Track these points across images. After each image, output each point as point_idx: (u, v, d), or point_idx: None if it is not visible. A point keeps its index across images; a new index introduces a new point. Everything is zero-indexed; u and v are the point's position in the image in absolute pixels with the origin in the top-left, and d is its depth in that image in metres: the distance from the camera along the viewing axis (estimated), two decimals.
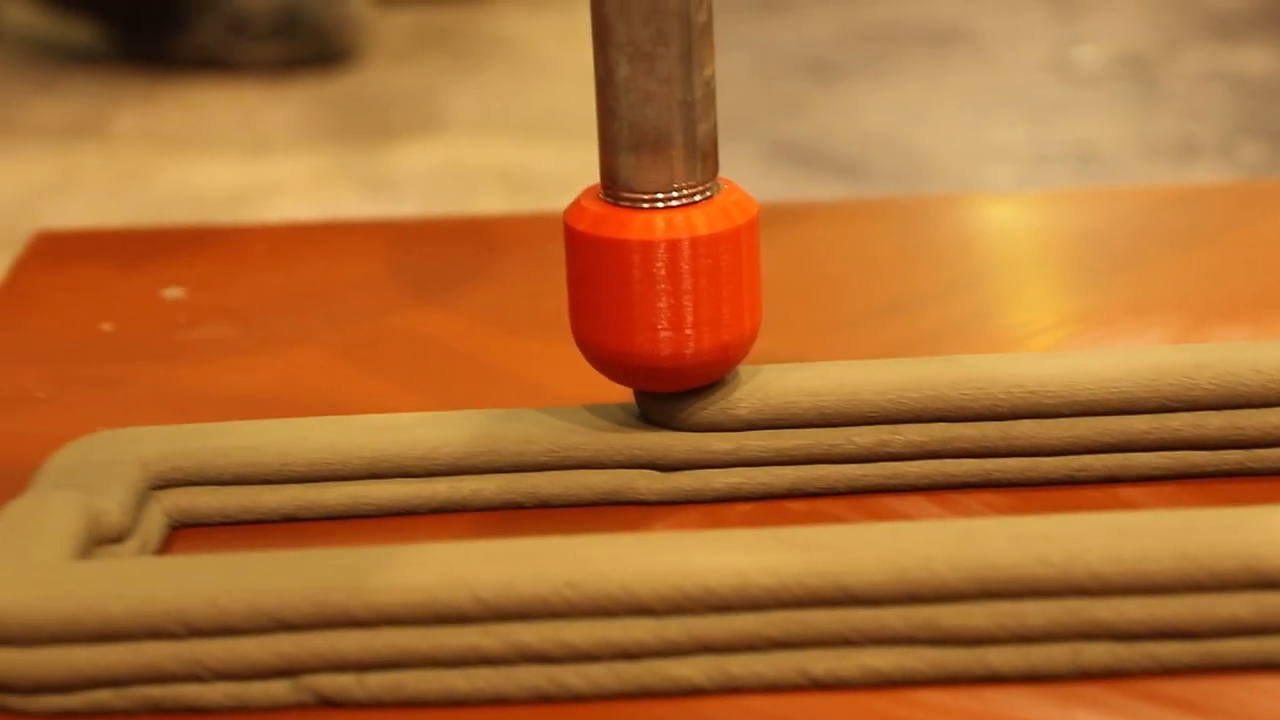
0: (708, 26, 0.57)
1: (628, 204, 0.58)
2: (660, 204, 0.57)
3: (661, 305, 0.57)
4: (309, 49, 2.11)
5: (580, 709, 0.51)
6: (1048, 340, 0.71)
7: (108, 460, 0.59)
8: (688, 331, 0.58)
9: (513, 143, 1.90)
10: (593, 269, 0.58)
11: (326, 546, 0.54)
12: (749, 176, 1.75)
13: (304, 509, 0.60)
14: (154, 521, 0.59)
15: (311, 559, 0.52)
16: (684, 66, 0.56)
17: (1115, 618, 0.50)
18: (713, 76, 0.57)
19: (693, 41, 0.56)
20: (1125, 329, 0.71)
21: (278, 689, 0.51)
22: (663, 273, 0.57)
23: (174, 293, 0.78)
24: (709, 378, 0.59)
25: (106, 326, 0.76)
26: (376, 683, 0.51)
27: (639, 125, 0.57)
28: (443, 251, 0.83)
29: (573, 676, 0.51)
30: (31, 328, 0.76)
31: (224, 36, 2.09)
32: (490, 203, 1.73)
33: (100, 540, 0.56)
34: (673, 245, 0.57)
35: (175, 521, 0.60)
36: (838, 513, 0.59)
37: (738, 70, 2.05)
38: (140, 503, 0.58)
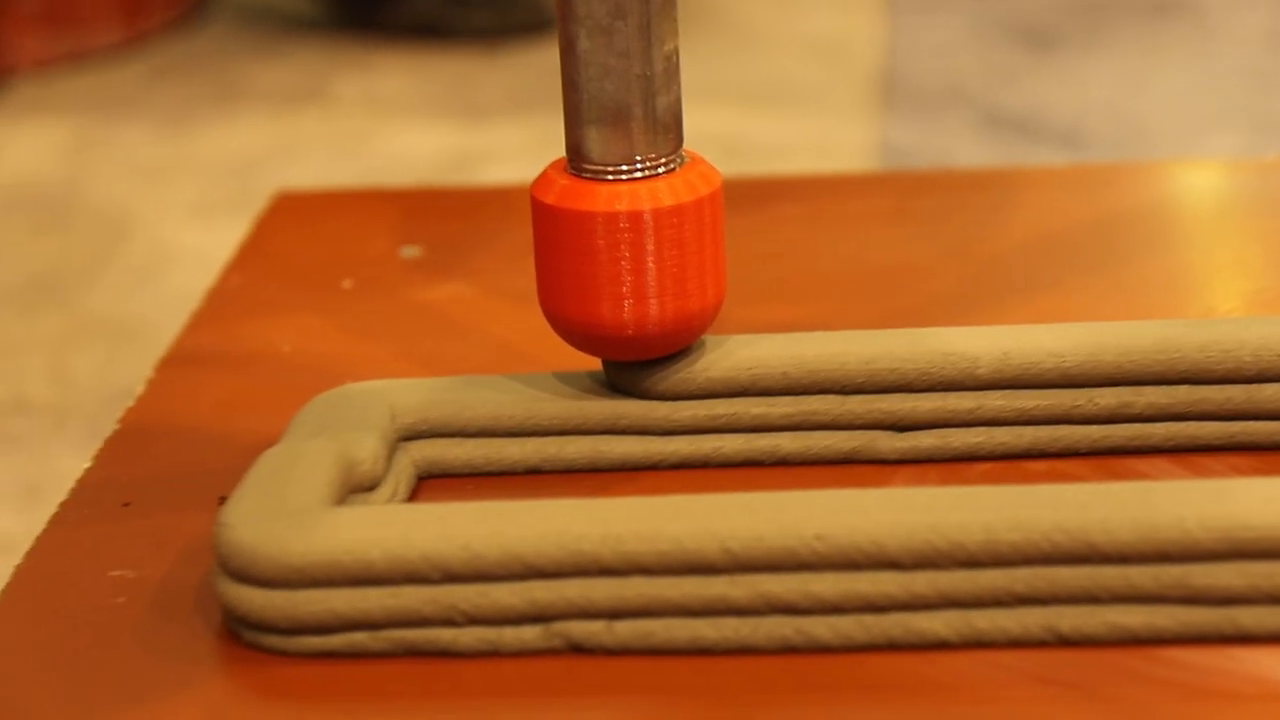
0: (669, 2, 0.57)
1: (592, 176, 0.58)
2: (624, 175, 0.58)
3: (625, 276, 0.58)
4: (523, 16, 2.13)
5: (827, 660, 0.52)
6: None
7: (358, 411, 0.60)
8: (651, 302, 0.58)
9: (729, 110, 1.90)
10: (558, 240, 0.59)
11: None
12: (965, 145, 1.75)
13: (546, 462, 0.62)
14: (403, 471, 0.60)
15: (564, 507, 0.53)
16: (643, 41, 0.57)
17: None
18: (675, 51, 0.58)
19: (651, 16, 0.57)
20: None
21: (529, 634, 0.53)
22: (626, 243, 0.58)
23: (411, 251, 0.80)
24: (673, 347, 0.60)
25: (347, 284, 0.77)
26: (626, 630, 0.52)
27: (598, 98, 0.57)
28: None
29: (820, 628, 0.52)
30: (275, 284, 0.78)
31: (440, 4, 2.11)
32: None
33: (353, 488, 0.57)
34: (635, 216, 0.57)
35: (422, 472, 0.61)
36: (1078, 473, 0.60)
37: (953, 39, 2.04)
38: (390, 453, 0.60)
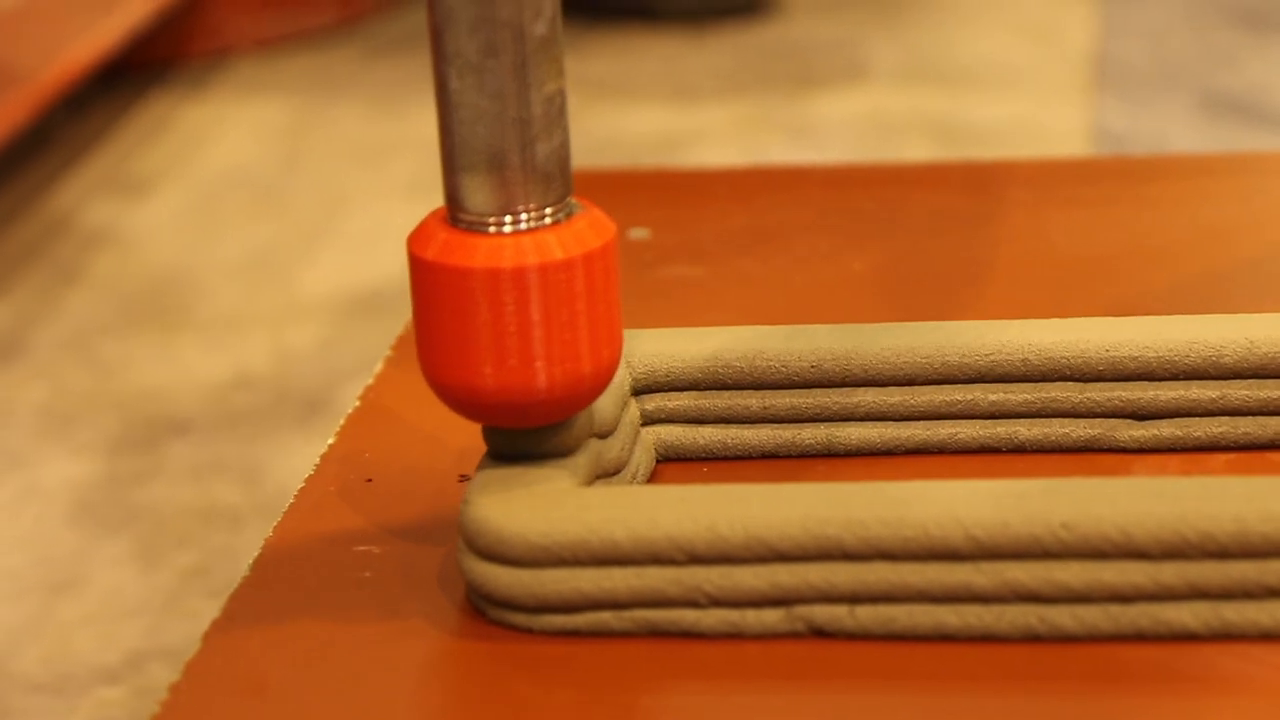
0: (549, 40, 0.52)
1: (472, 228, 0.53)
2: (508, 228, 0.53)
3: (510, 338, 0.53)
4: None
5: (1071, 650, 0.51)
6: None
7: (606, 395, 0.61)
8: (539, 365, 0.53)
9: (937, 92, 1.89)
10: (437, 298, 0.53)
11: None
12: (1183, 130, 1.72)
13: (782, 447, 0.62)
14: (645, 454, 0.61)
15: (807, 491, 0.53)
16: (518, 82, 0.52)
17: None
18: (558, 93, 0.53)
19: (528, 55, 0.52)
20: None
21: (771, 617, 0.53)
22: (510, 302, 0.53)
23: (639, 233, 0.80)
24: (562, 414, 0.55)
25: None
26: (868, 615, 0.52)
27: (470, 143, 0.52)
28: (891, 195, 0.83)
29: (1065, 617, 0.51)
30: None
31: None
32: (915, 152, 1.73)
33: (601, 475, 0.58)
34: (519, 273, 0.52)
35: (660, 456, 0.62)
36: None
37: (1169, 22, 2.01)
38: (633, 438, 0.60)
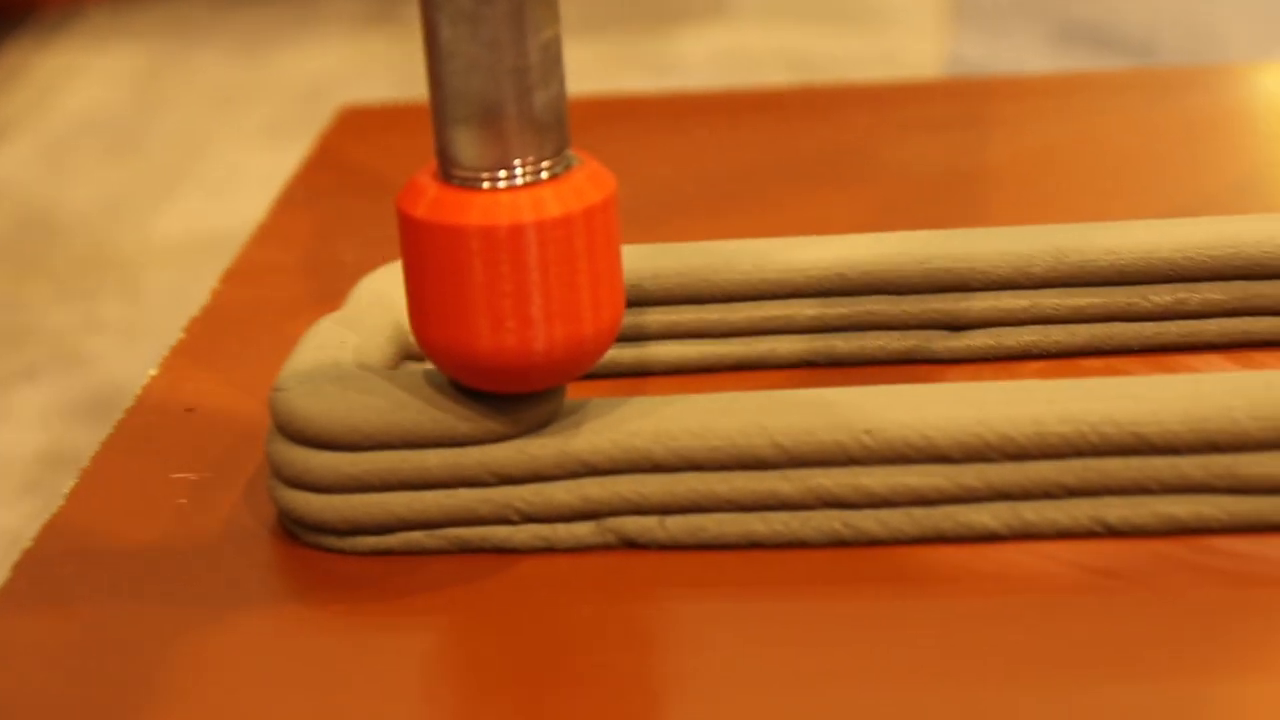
0: None
1: (465, 184, 0.51)
2: (503, 183, 0.51)
3: (506, 299, 0.51)
4: None
5: (876, 553, 0.52)
6: None
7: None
8: (538, 327, 0.51)
9: (796, 26, 1.90)
10: (429, 259, 0.51)
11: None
12: (1038, 59, 1.74)
13: (598, 367, 0.62)
14: None
15: (615, 406, 0.54)
16: (515, 29, 0.50)
17: None
18: (555, 39, 0.50)
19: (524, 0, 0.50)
20: None
21: (582, 530, 0.53)
22: (506, 261, 0.51)
23: None
24: (564, 378, 0.53)
25: None
26: (678, 525, 0.53)
27: (465, 94, 0.50)
28: (741, 122, 0.84)
29: (869, 522, 0.52)
30: (340, 197, 0.79)
31: None
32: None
33: (410, 356, 0.58)
34: (516, 230, 0.51)
35: None
36: (1132, 370, 0.60)
37: None
38: None
